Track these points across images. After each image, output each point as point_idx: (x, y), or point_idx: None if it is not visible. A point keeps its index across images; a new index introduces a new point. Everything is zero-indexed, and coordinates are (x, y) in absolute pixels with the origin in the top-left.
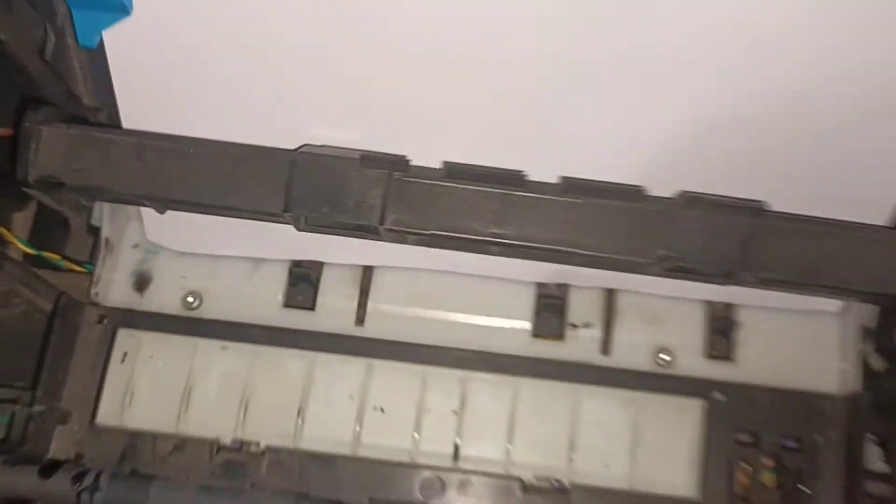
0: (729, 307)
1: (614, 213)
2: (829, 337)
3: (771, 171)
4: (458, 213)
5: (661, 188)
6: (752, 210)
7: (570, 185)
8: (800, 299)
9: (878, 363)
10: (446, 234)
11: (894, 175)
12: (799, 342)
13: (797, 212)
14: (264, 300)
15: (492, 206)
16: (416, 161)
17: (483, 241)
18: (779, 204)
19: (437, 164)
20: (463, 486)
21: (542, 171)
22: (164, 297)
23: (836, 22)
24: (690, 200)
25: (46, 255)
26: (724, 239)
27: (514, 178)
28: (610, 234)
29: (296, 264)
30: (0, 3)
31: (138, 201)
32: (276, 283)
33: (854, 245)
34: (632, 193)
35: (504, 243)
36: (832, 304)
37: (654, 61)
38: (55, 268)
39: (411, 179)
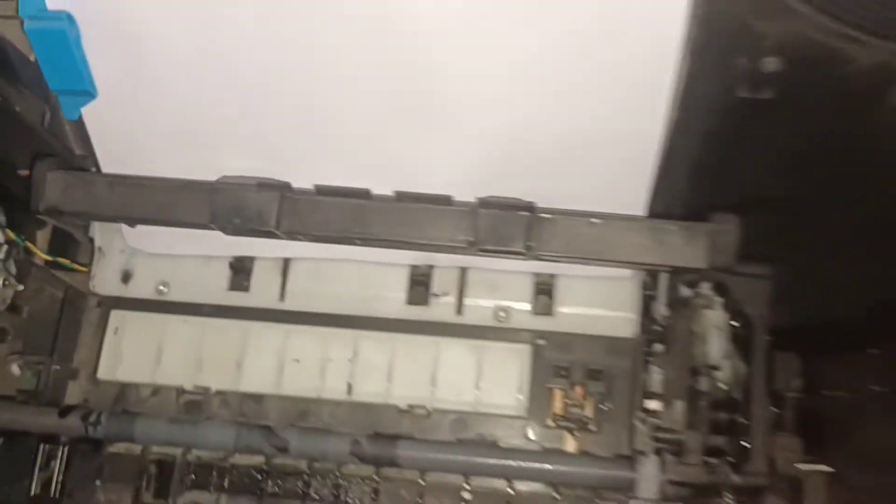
0: (551, 276)
1: (433, 214)
2: (623, 295)
3: (549, 180)
4: (328, 219)
5: (466, 195)
6: (528, 207)
7: (403, 196)
8: (602, 269)
9: (661, 311)
10: (322, 234)
11: (642, 179)
12: (601, 300)
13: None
14: (213, 286)
15: (350, 213)
16: (297, 184)
17: (348, 237)
18: (561, 203)
19: (311, 186)
20: (353, 412)
21: (385, 187)
22: (142, 287)
23: (574, 77)
24: (485, 203)
25: (60, 260)
26: (510, 228)
27: (363, 193)
28: (431, 228)
29: (236, 259)
30: (15, 89)
31: (115, 220)
32: (221, 273)
33: (614, 229)
34: (444, 199)
35: (362, 238)
36: (625, 272)
37: (458, 109)
38: (66, 269)
39: (295, 197)
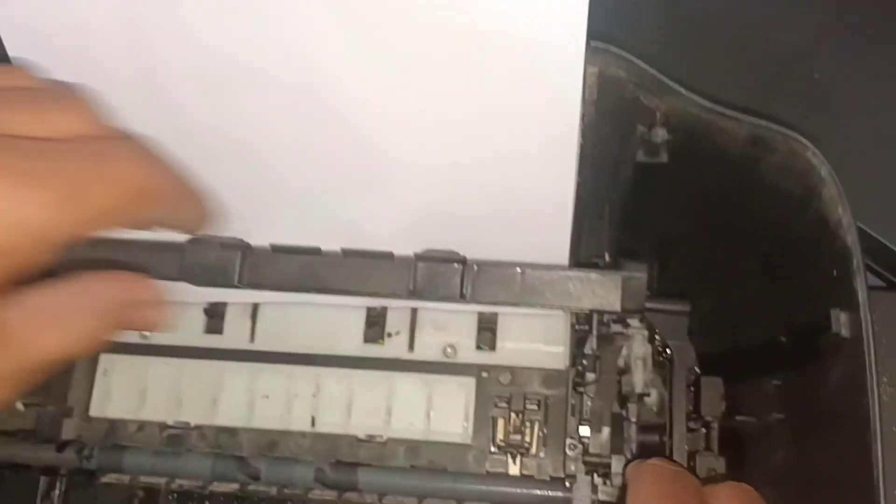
0: (493, 314)
1: (377, 267)
2: (557, 331)
3: (480, 233)
4: (284, 273)
5: (407, 248)
6: (461, 260)
7: (349, 253)
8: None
9: (591, 344)
10: (280, 286)
11: (562, 230)
12: (538, 335)
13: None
14: (190, 330)
15: (303, 268)
16: (255, 241)
17: (303, 288)
18: (494, 253)
19: (268, 245)
20: (317, 442)
21: (334, 243)
22: (127, 333)
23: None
24: (421, 257)
25: None
26: (445, 278)
27: (314, 251)
28: (376, 280)
29: (210, 305)
30: None
31: None
32: (197, 318)
33: (537, 277)
34: (387, 255)
35: (316, 289)
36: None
37: (392, 172)
38: None
39: (253, 255)
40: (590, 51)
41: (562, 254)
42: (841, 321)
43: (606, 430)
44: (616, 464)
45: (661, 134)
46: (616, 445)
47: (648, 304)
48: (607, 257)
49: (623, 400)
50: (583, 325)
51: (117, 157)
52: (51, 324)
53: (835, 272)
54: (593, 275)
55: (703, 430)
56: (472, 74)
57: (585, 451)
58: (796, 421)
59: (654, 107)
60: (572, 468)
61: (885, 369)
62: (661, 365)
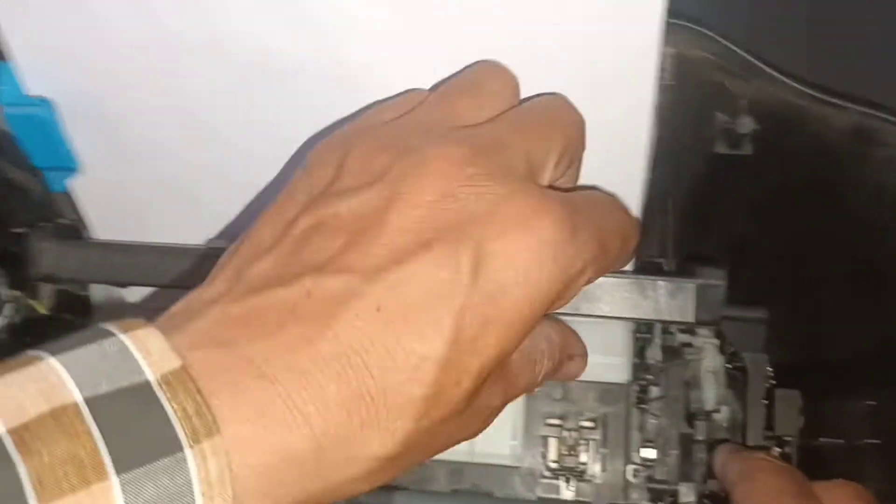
0: None
1: None
2: (616, 340)
3: None
4: None
5: None
6: None
7: None
8: None
9: (656, 356)
10: None
11: None
12: (594, 345)
13: None
14: None
15: None
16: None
17: None
18: None
19: None
20: None
21: None
22: None
23: None
24: None
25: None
26: None
27: None
28: None
29: None
30: (5, 161)
31: (107, 283)
32: None
33: (601, 285)
34: None
35: None
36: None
37: None
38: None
39: None
40: (668, 29)
41: None
42: None
43: (674, 454)
44: (685, 493)
45: (746, 123)
46: (685, 471)
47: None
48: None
49: (690, 417)
50: (645, 334)
51: (623, 208)
52: (528, 365)
53: None
54: (662, 282)
55: (779, 450)
56: (537, 52)
57: (650, 478)
58: (893, 447)
59: (739, 93)
60: (635, 496)
61: None
62: (733, 377)
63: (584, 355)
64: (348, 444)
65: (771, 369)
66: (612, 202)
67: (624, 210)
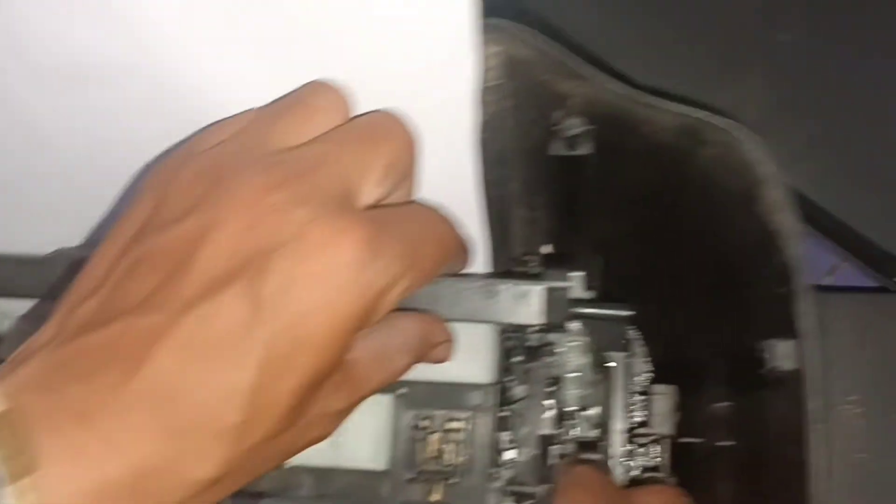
0: None
1: None
2: (485, 340)
3: None
4: None
5: None
6: None
7: None
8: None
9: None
10: None
11: (472, 232)
12: (463, 345)
13: None
14: None
15: None
16: None
17: None
18: None
19: None
20: None
21: None
22: None
23: None
24: None
25: None
26: None
27: None
28: None
29: None
30: None
31: None
32: None
33: (446, 287)
34: None
35: None
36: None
37: None
38: None
39: None
40: (488, 28)
41: (479, 258)
42: (778, 353)
43: (533, 455)
44: (543, 495)
45: (575, 124)
46: (545, 475)
47: (586, 310)
48: (551, 249)
49: (558, 418)
50: (513, 334)
51: (439, 220)
52: (380, 363)
53: (776, 291)
54: (508, 284)
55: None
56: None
57: (513, 480)
58: (744, 451)
59: (566, 93)
60: (499, 499)
61: (855, 387)
62: (598, 376)
63: (450, 340)
64: (168, 471)
65: (650, 366)
66: (427, 214)
67: (442, 220)
